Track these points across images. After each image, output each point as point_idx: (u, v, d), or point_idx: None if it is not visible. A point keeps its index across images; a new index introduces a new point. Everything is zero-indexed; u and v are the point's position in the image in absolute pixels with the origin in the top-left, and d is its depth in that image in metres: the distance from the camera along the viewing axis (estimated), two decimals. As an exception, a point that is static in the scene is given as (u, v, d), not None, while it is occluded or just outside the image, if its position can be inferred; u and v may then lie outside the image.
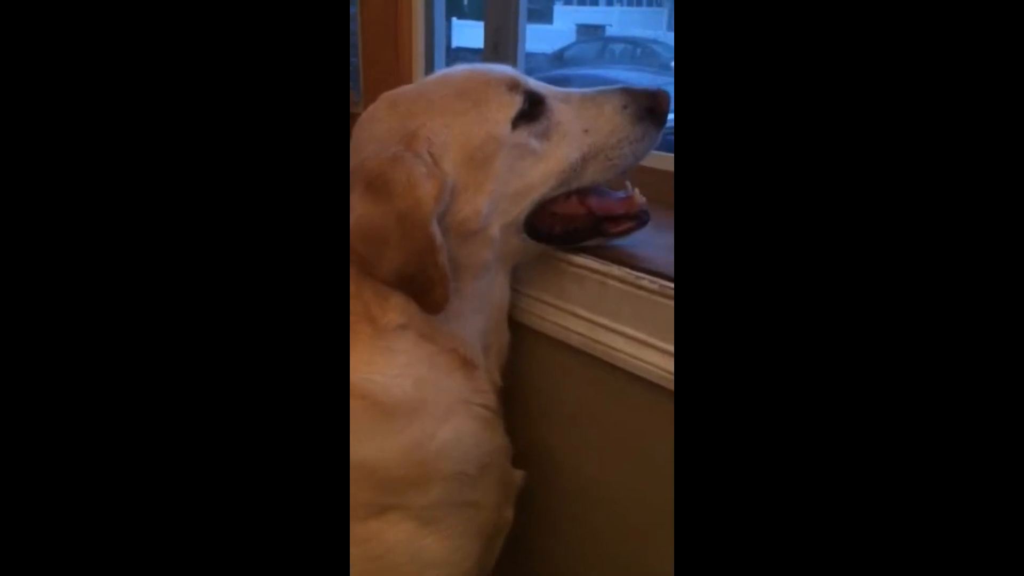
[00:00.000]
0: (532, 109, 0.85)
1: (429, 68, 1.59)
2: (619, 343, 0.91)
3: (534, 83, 0.88)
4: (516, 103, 0.84)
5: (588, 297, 0.94)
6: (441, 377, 0.87)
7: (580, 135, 0.86)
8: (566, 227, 0.90)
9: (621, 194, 0.92)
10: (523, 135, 0.84)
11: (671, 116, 0.89)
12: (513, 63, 1.75)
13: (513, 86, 0.85)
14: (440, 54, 1.64)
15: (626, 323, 0.90)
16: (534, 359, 1.04)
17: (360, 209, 0.78)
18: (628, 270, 0.89)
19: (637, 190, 0.92)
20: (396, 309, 0.84)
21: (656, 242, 0.94)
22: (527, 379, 1.05)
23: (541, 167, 0.85)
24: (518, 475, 0.99)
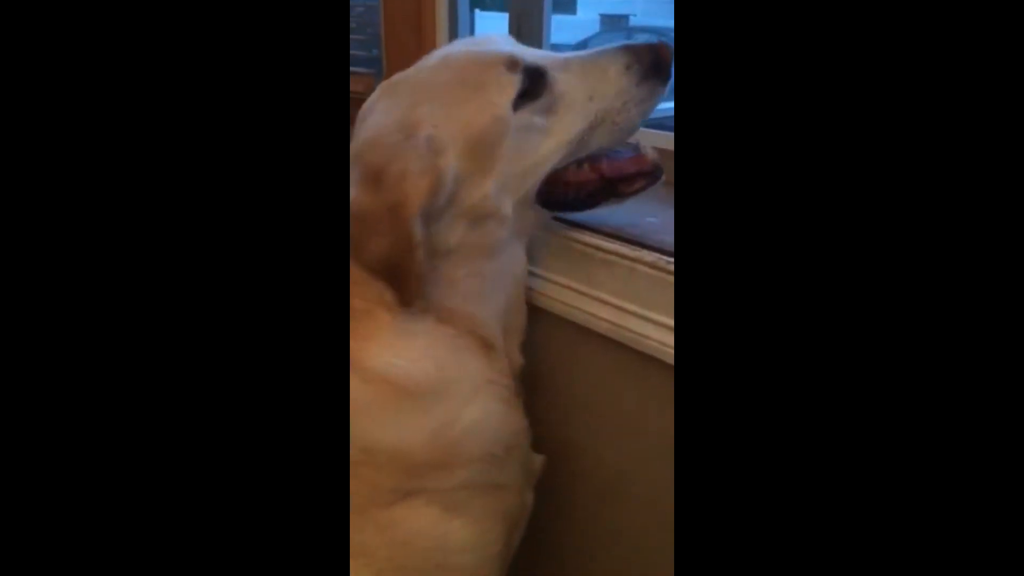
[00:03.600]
0: (534, 86, 0.83)
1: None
2: (648, 330, 0.90)
3: (532, 55, 0.86)
4: (516, 83, 0.82)
5: (617, 283, 0.93)
6: (463, 358, 0.86)
7: (585, 103, 0.84)
8: (579, 193, 0.89)
9: (630, 153, 0.91)
10: (527, 114, 0.82)
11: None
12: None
13: (512, 65, 0.83)
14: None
15: (656, 310, 0.89)
16: (560, 347, 1.03)
17: (354, 194, 0.78)
18: (659, 255, 0.88)
19: (646, 146, 0.91)
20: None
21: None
22: (553, 367, 1.04)
23: (548, 142, 0.84)
24: (538, 459, 0.99)
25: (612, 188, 0.90)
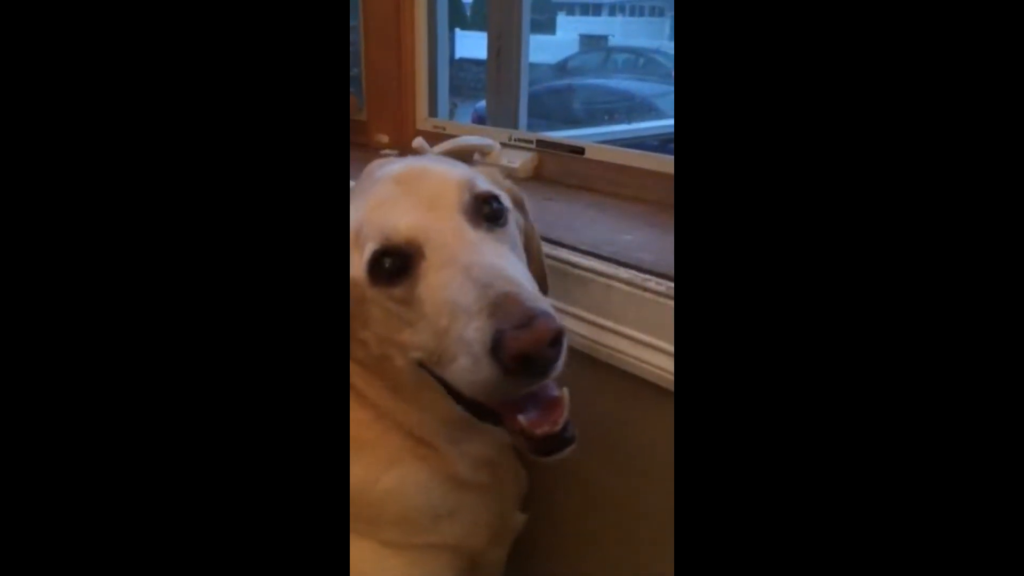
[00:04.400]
0: (394, 268, 0.71)
1: (432, 78, 1.60)
2: (624, 346, 0.91)
3: (403, 240, 0.71)
4: (364, 257, 0.72)
5: (593, 300, 0.94)
6: (388, 428, 0.82)
7: (439, 329, 0.68)
8: (459, 397, 0.73)
9: (555, 391, 0.73)
10: (382, 295, 0.72)
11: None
12: (516, 73, 1.76)
13: (383, 239, 0.72)
14: (443, 65, 1.65)
15: (632, 326, 0.90)
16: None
17: None
18: (635, 272, 0.89)
19: (566, 399, 0.73)
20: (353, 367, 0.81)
21: (662, 244, 0.94)
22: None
23: (408, 334, 0.72)
24: (519, 518, 0.96)
25: (490, 411, 0.74)
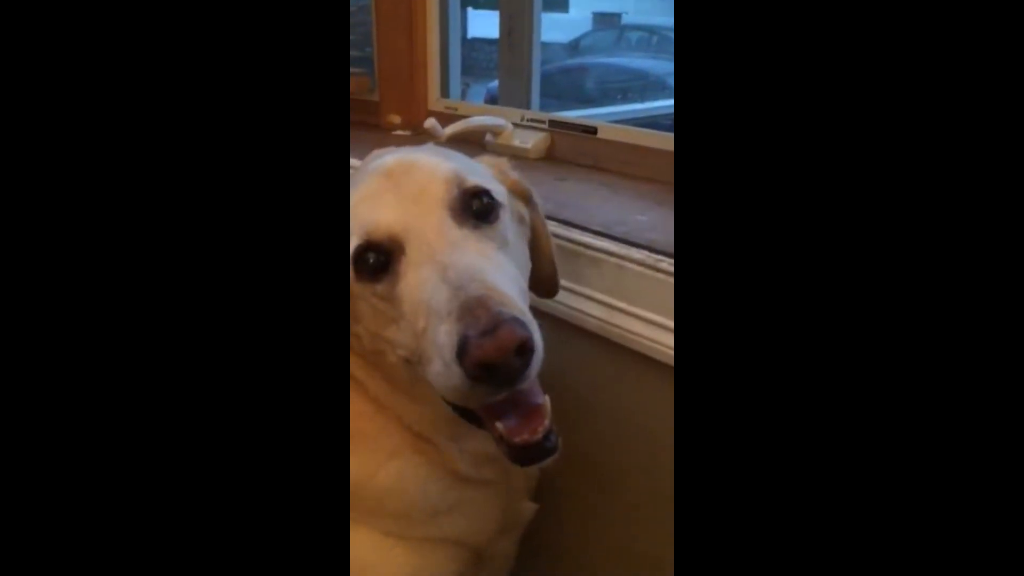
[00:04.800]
0: (377, 264, 0.70)
1: (444, 58, 1.60)
2: (637, 327, 0.90)
3: (385, 236, 0.71)
4: (352, 253, 0.71)
5: (605, 281, 0.93)
6: (388, 421, 0.82)
7: (416, 328, 0.67)
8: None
9: (538, 397, 0.71)
10: (367, 291, 0.72)
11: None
12: (528, 53, 1.75)
13: (365, 235, 0.71)
14: (455, 44, 1.64)
15: (644, 307, 0.90)
16: (548, 344, 1.03)
17: None
18: (648, 252, 0.88)
19: (547, 407, 0.71)
20: (355, 359, 0.81)
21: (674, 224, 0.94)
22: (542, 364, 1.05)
23: (393, 331, 0.71)
24: (528, 508, 0.95)
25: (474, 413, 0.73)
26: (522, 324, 0.62)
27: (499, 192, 0.78)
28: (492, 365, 0.60)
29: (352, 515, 0.80)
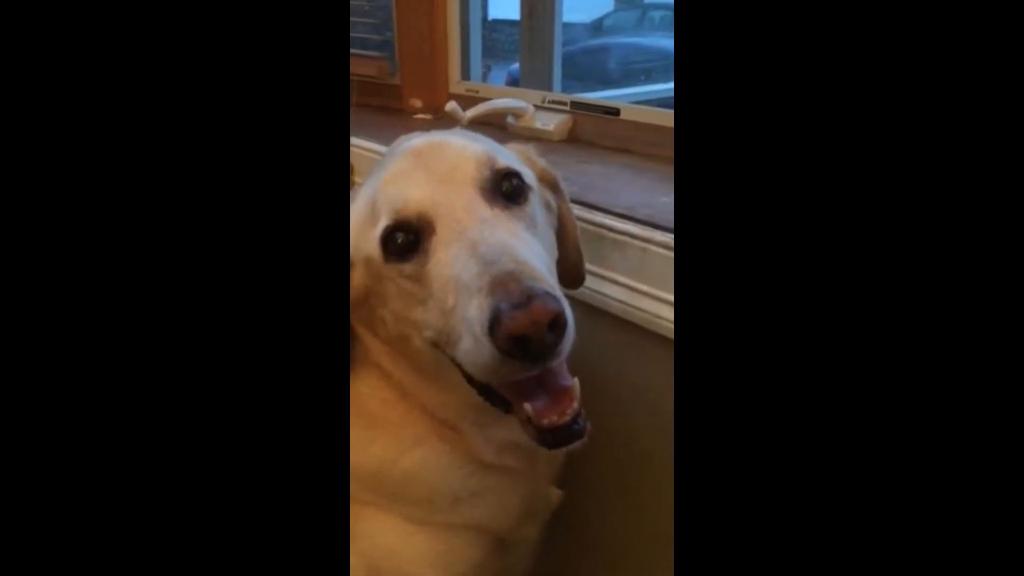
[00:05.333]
0: (406, 244, 0.70)
1: (464, 40, 1.58)
2: (662, 310, 0.90)
3: (414, 215, 0.70)
4: (378, 233, 0.71)
5: (629, 263, 0.93)
6: (413, 407, 0.82)
7: (446, 306, 0.67)
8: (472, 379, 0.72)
9: (567, 379, 0.70)
10: (394, 271, 0.71)
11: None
12: (550, 33, 1.73)
13: (393, 213, 0.71)
14: (476, 26, 1.63)
15: (669, 290, 0.89)
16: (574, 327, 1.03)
17: None
18: (671, 236, 0.87)
19: (576, 389, 0.70)
20: (377, 347, 0.82)
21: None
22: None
23: (420, 312, 0.71)
24: (555, 495, 0.95)
25: (501, 396, 0.72)
26: (555, 298, 0.61)
27: (528, 175, 0.78)
28: (525, 338, 0.59)
29: (375, 500, 0.81)
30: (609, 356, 1.01)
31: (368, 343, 0.81)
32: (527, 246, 0.69)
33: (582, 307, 0.99)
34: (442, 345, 0.70)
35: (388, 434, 0.81)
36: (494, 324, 0.59)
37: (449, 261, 0.67)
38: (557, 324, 0.60)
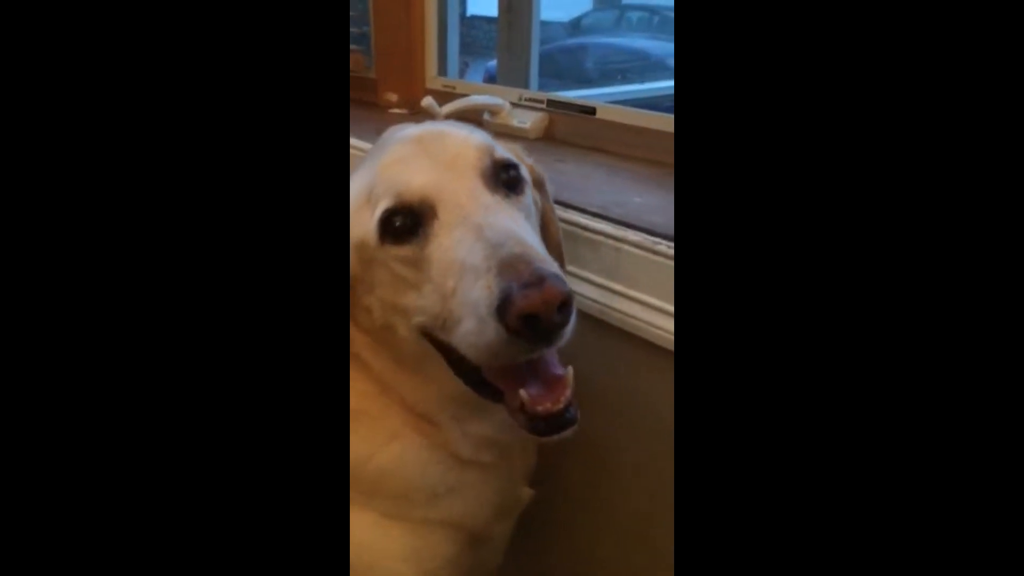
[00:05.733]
0: (404, 227, 0.70)
1: (442, 35, 1.58)
2: (636, 310, 0.90)
3: (417, 198, 0.71)
4: (377, 215, 0.71)
5: (602, 263, 0.93)
6: (390, 400, 0.81)
7: (445, 289, 0.67)
8: (461, 365, 0.73)
9: (559, 368, 0.71)
10: (389, 255, 0.71)
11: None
12: (528, 31, 1.73)
13: (395, 196, 0.71)
14: (454, 22, 1.62)
15: (643, 290, 0.89)
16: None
17: None
18: (645, 235, 0.87)
19: (570, 377, 0.70)
20: (358, 336, 0.81)
21: (672, 207, 0.93)
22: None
23: (412, 297, 0.71)
24: (526, 493, 0.95)
25: (491, 386, 0.73)
26: (563, 281, 0.62)
27: (523, 168, 0.79)
28: (535, 317, 0.60)
29: (351, 497, 0.80)
30: (582, 356, 1.01)
31: (350, 335, 0.80)
32: (528, 233, 0.70)
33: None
34: (436, 331, 0.70)
35: (365, 428, 0.80)
36: (504, 304, 0.60)
37: (452, 245, 0.67)
38: (566, 305, 0.62)
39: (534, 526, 1.02)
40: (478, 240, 0.65)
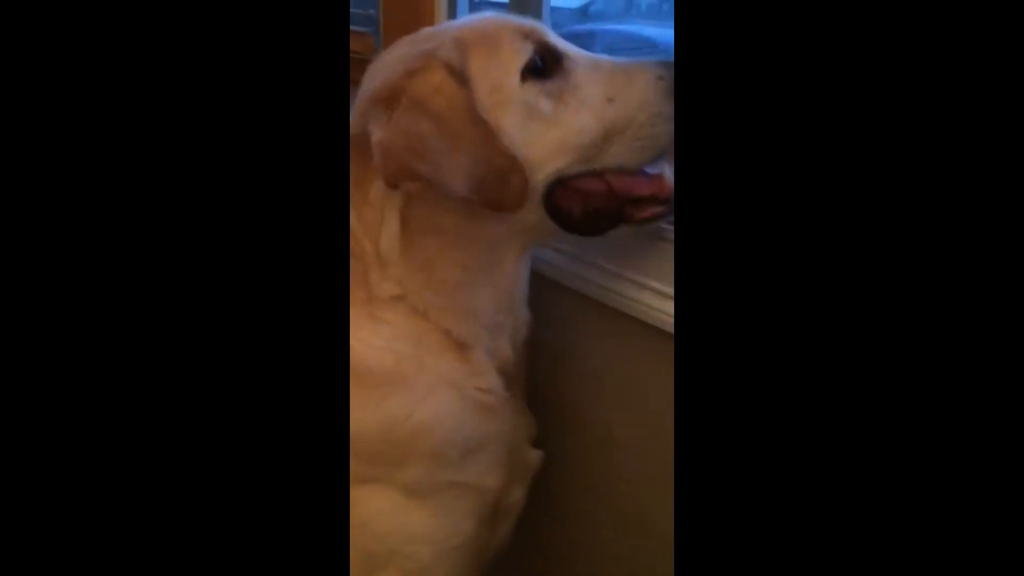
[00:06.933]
0: (547, 65, 0.77)
1: (451, 19, 1.57)
2: (642, 295, 0.90)
3: (558, 41, 0.80)
4: (526, 51, 0.76)
5: (608, 247, 0.93)
6: (426, 356, 0.83)
7: (602, 104, 0.76)
8: (585, 207, 0.79)
9: (651, 172, 0.81)
10: (532, 92, 0.76)
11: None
12: (538, 17, 1.72)
13: (528, 35, 0.78)
14: (463, 6, 1.61)
15: (648, 274, 0.89)
16: (551, 310, 1.03)
17: (386, 133, 0.74)
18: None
19: (669, 175, 0.81)
20: (393, 279, 0.82)
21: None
22: (543, 331, 1.05)
23: (553, 135, 0.76)
24: (535, 456, 0.97)
25: (620, 208, 0.80)
26: None
27: None
28: None
29: (374, 474, 0.81)
30: (585, 340, 1.02)
31: (387, 274, 0.82)
32: None
33: (558, 288, 1.00)
34: (585, 162, 0.77)
35: (401, 391, 0.82)
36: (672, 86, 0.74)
37: (594, 63, 0.79)
38: None
39: (534, 508, 1.03)
40: (625, 65, 0.78)
